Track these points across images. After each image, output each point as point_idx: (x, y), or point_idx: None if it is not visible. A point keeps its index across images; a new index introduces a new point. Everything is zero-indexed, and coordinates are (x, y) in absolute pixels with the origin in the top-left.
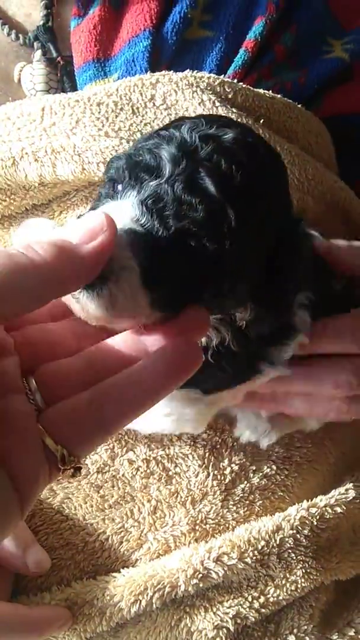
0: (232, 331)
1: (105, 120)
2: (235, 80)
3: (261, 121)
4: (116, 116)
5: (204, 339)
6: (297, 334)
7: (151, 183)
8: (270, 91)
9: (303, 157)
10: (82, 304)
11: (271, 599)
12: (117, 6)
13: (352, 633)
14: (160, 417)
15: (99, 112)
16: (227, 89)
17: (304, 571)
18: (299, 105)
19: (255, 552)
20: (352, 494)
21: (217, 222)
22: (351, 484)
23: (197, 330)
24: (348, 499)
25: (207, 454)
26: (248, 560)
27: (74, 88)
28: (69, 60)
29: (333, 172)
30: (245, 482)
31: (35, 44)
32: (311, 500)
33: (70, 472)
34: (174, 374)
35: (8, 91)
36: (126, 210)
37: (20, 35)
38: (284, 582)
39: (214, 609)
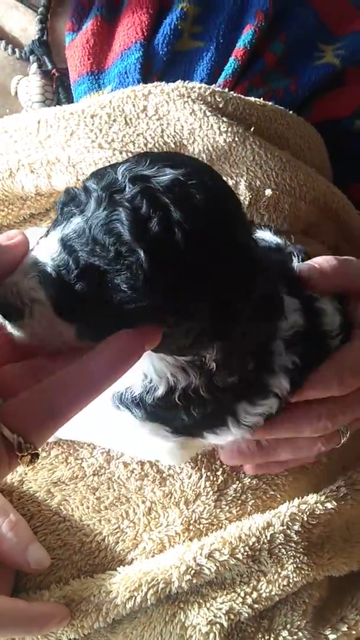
0: (202, 376)
1: (99, 132)
2: (226, 89)
3: (252, 129)
4: (109, 127)
5: (171, 379)
6: (272, 398)
7: (74, 220)
8: (262, 99)
9: (294, 163)
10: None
11: (264, 595)
12: (109, 19)
13: (345, 629)
14: (139, 444)
15: (93, 124)
16: (217, 99)
17: (295, 566)
18: (290, 112)
19: (246, 548)
20: (343, 490)
21: (125, 262)
22: (342, 482)
23: (146, 335)
24: (339, 496)
25: (199, 457)
26: (239, 556)
27: (69, 99)
28: (64, 73)
29: (327, 177)
30: (237, 482)
31: (31, 57)
32: (302, 498)
33: (28, 459)
34: (118, 364)
35: (5, 104)
36: (48, 245)
37: (17, 50)
38: (275, 577)
39: (208, 605)
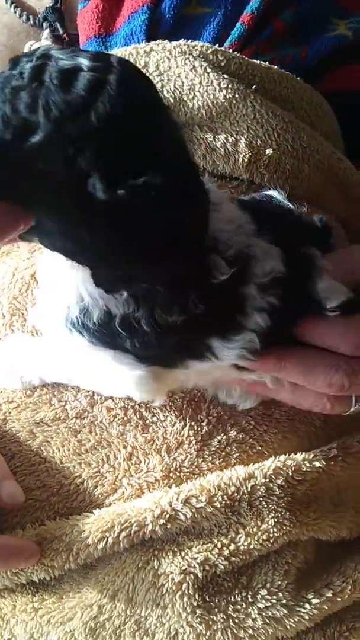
0: (141, 308)
1: None
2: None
3: (253, 87)
4: None
5: (101, 303)
6: (247, 333)
7: None
8: (267, 63)
9: (297, 124)
10: None
11: (241, 547)
12: None
13: (329, 594)
14: (109, 377)
15: None
16: (219, 57)
17: (275, 521)
18: (298, 78)
19: (225, 497)
20: (334, 452)
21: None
22: (335, 444)
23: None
24: (329, 456)
25: (185, 406)
26: (217, 504)
27: None
28: (75, 39)
29: (338, 147)
30: (223, 434)
31: (44, 24)
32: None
33: None
34: None
35: None
36: None
37: (31, 17)
38: (255, 530)
39: (182, 554)
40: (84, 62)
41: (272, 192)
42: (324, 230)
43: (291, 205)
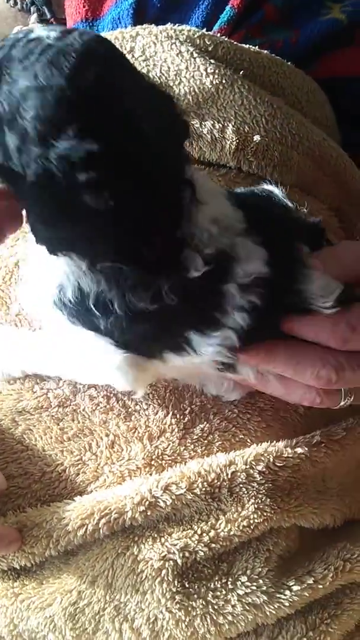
0: (114, 289)
1: None
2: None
3: (241, 72)
4: None
5: (73, 280)
6: (225, 330)
7: None
8: (257, 48)
9: (286, 111)
10: None
11: (222, 534)
12: None
13: (310, 581)
14: (90, 363)
15: None
16: (207, 42)
17: (256, 507)
18: (289, 63)
19: (205, 483)
20: (317, 439)
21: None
22: (319, 431)
23: None
24: (312, 442)
25: (167, 395)
26: (197, 491)
27: None
28: (63, 23)
29: (332, 134)
30: (205, 422)
31: (32, 8)
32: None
33: None
34: None
35: None
36: None
37: (19, 1)
38: (235, 516)
39: (162, 540)
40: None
41: (272, 188)
42: (318, 231)
43: (290, 204)
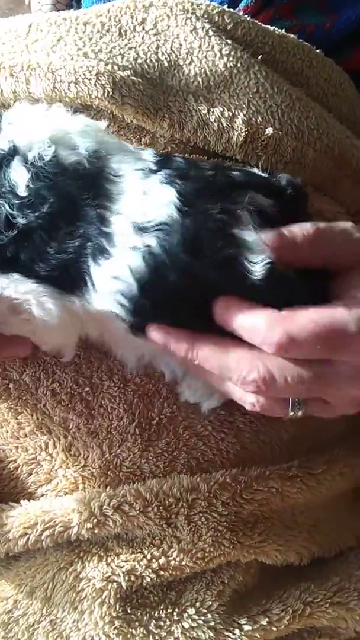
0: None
1: (88, 40)
2: (242, 13)
3: (260, 57)
4: (100, 37)
5: None
6: (123, 267)
7: None
8: (284, 31)
9: (306, 103)
10: None
11: (172, 562)
12: None
13: (264, 622)
14: None
15: (84, 32)
16: (226, 19)
17: (213, 539)
18: (317, 50)
19: (161, 508)
20: (294, 471)
21: None
22: (296, 462)
23: None
24: (287, 475)
25: (135, 400)
26: (151, 514)
27: None
28: None
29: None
30: (173, 436)
31: None
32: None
33: None
34: None
35: (18, 12)
36: None
37: None
38: (190, 547)
39: (109, 560)
40: None
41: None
42: (294, 196)
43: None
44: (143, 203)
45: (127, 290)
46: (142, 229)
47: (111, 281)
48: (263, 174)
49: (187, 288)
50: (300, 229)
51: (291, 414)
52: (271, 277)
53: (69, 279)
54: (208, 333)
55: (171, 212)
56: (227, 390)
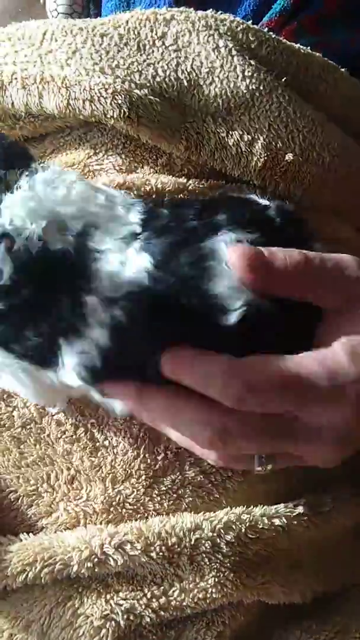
0: None
1: (105, 54)
2: (266, 29)
3: (283, 80)
4: (118, 51)
5: None
6: (90, 341)
7: None
8: (309, 48)
9: (330, 129)
10: None
11: (173, 602)
12: None
13: None
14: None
15: (100, 45)
16: (250, 37)
17: (216, 580)
18: (343, 70)
19: (163, 547)
20: (300, 509)
21: None
22: (303, 500)
23: None
24: (294, 514)
25: (141, 435)
26: (153, 554)
27: (99, 15)
28: None
29: None
30: (179, 473)
31: None
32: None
33: None
34: None
35: (32, 12)
36: None
37: None
38: (192, 587)
39: (108, 597)
40: None
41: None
42: (285, 224)
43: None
44: (118, 275)
45: (90, 362)
46: (112, 301)
47: (77, 356)
48: (259, 202)
49: (152, 352)
50: (283, 254)
51: (259, 469)
52: (245, 318)
53: (44, 358)
54: (158, 387)
55: (142, 280)
56: (188, 445)
